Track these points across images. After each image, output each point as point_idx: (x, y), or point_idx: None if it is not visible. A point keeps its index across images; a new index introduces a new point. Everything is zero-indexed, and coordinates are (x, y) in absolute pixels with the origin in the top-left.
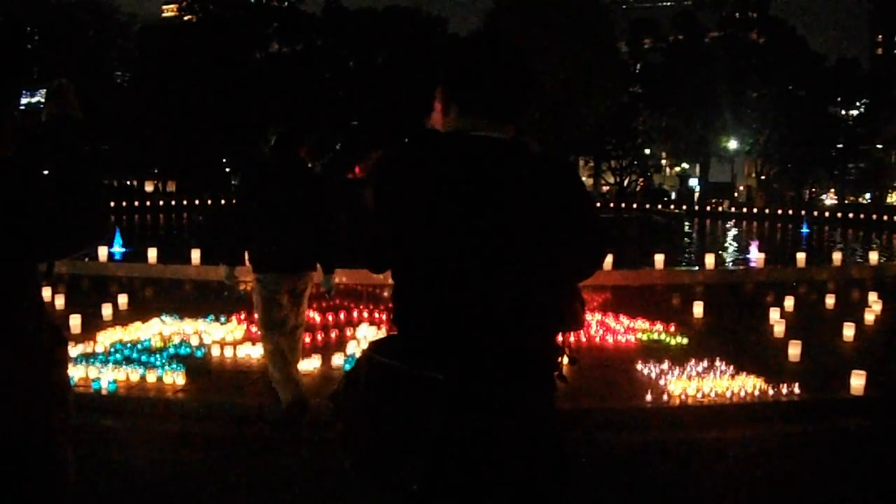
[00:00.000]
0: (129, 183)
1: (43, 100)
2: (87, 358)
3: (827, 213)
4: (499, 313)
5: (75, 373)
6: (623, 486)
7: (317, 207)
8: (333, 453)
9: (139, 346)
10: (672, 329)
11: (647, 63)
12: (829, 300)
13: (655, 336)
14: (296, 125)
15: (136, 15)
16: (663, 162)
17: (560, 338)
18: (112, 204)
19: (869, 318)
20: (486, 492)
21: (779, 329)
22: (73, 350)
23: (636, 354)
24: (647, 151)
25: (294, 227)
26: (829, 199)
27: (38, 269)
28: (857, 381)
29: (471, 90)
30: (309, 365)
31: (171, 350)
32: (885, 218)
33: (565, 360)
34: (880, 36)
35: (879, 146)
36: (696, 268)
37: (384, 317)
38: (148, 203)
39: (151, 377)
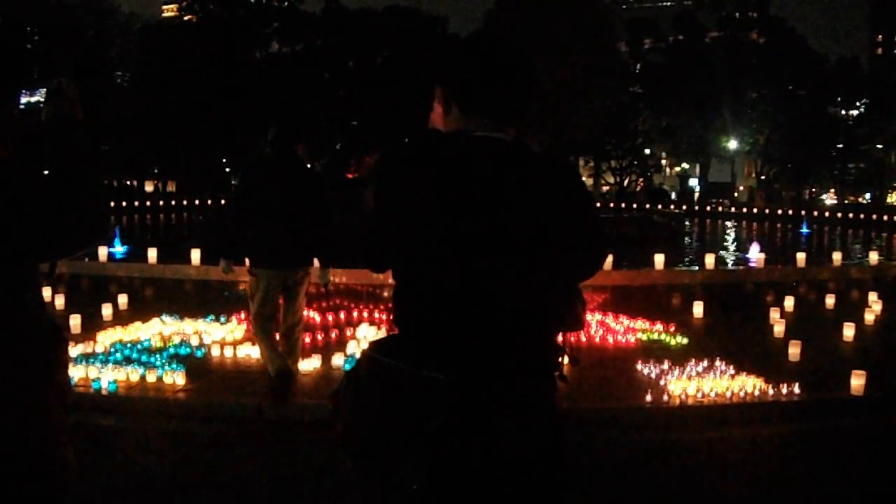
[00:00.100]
0: (129, 183)
1: (42, 99)
2: (87, 358)
3: (827, 213)
4: (500, 313)
5: (75, 373)
6: (623, 486)
7: (313, 203)
8: (333, 453)
9: (139, 346)
10: (672, 329)
11: (647, 63)
12: (829, 300)
13: (655, 336)
14: (293, 122)
15: (136, 15)
16: (663, 162)
17: (561, 338)
18: (112, 204)
19: (869, 318)
20: (486, 492)
21: (779, 329)
22: (73, 350)
23: (636, 354)
24: (647, 151)
25: (289, 222)
26: (829, 199)
27: (38, 269)
28: (857, 381)
29: (472, 90)
30: (309, 365)
31: (171, 350)
32: (885, 218)
33: (566, 360)
34: (880, 36)
35: (879, 146)
36: (696, 268)
37: (384, 317)
38: (148, 203)
39: (151, 377)
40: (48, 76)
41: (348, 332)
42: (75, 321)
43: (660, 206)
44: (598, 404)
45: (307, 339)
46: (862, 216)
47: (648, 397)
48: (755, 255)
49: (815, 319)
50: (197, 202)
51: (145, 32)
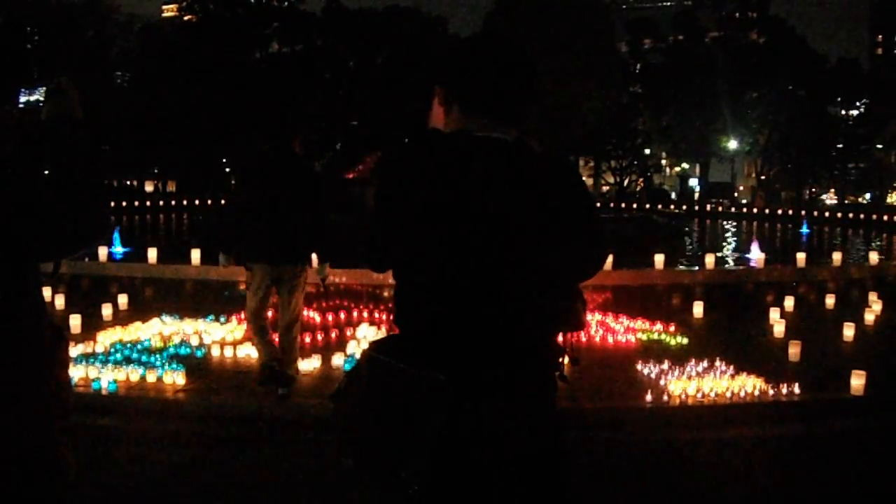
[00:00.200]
0: (129, 183)
1: (42, 98)
2: (87, 358)
3: (827, 213)
4: (500, 313)
5: (75, 373)
6: (623, 486)
7: (309, 199)
8: (333, 453)
9: (139, 346)
10: (672, 329)
11: (647, 63)
12: (829, 300)
13: (655, 336)
14: (290, 118)
15: (136, 15)
16: (663, 162)
17: (561, 338)
18: (112, 204)
19: (869, 318)
20: (487, 492)
21: (779, 329)
22: (73, 350)
23: (636, 354)
24: (647, 151)
25: (283, 218)
26: (829, 199)
27: (39, 268)
28: (857, 381)
29: (473, 90)
30: (309, 365)
31: (171, 350)
32: (885, 218)
33: (566, 360)
34: (880, 36)
35: (879, 146)
36: (696, 268)
37: (384, 317)
38: (148, 203)
39: (151, 377)
40: (48, 76)
41: (348, 332)
42: (75, 321)
43: (660, 206)
44: (598, 404)
45: (307, 339)
46: (862, 216)
47: (648, 397)
48: (755, 255)
49: (815, 319)
50: (197, 202)
51: (145, 32)
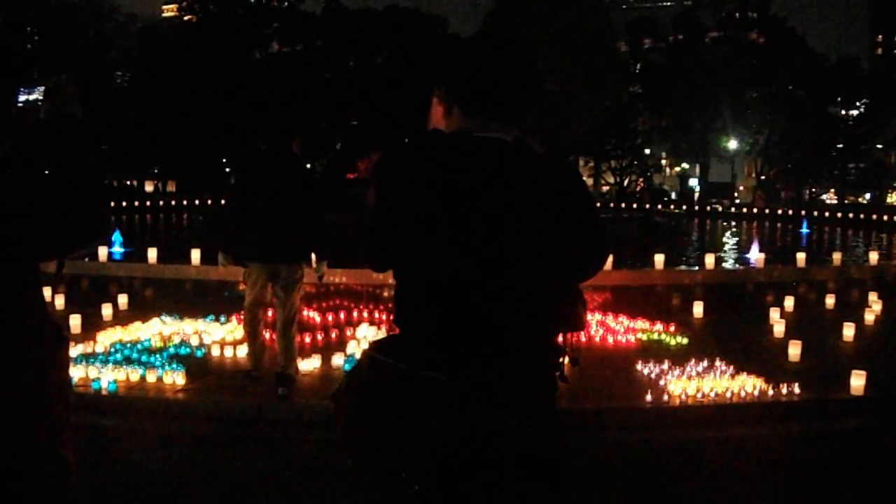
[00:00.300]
0: (129, 183)
1: (41, 97)
2: (87, 358)
3: (827, 213)
4: (500, 314)
5: (75, 373)
6: (623, 486)
7: (305, 199)
8: (333, 453)
9: (139, 346)
10: (672, 329)
11: (647, 63)
12: (829, 300)
13: (655, 336)
14: (288, 119)
15: (136, 15)
16: (663, 162)
17: (561, 338)
18: (112, 204)
19: (869, 318)
20: (487, 492)
21: (779, 329)
22: (73, 350)
23: (636, 354)
24: (647, 151)
25: (279, 217)
26: (830, 199)
27: (39, 268)
28: (857, 381)
29: (473, 90)
30: (309, 365)
31: (171, 350)
32: (885, 218)
33: (566, 360)
34: (880, 36)
35: (879, 146)
36: (696, 268)
37: (384, 317)
38: (148, 203)
39: (151, 377)
40: (48, 75)
41: (348, 332)
42: (75, 321)
43: (660, 206)
44: (598, 404)
45: (307, 340)
46: (862, 216)
47: (648, 397)
48: (755, 255)
49: (815, 319)
50: (197, 202)
51: (145, 32)
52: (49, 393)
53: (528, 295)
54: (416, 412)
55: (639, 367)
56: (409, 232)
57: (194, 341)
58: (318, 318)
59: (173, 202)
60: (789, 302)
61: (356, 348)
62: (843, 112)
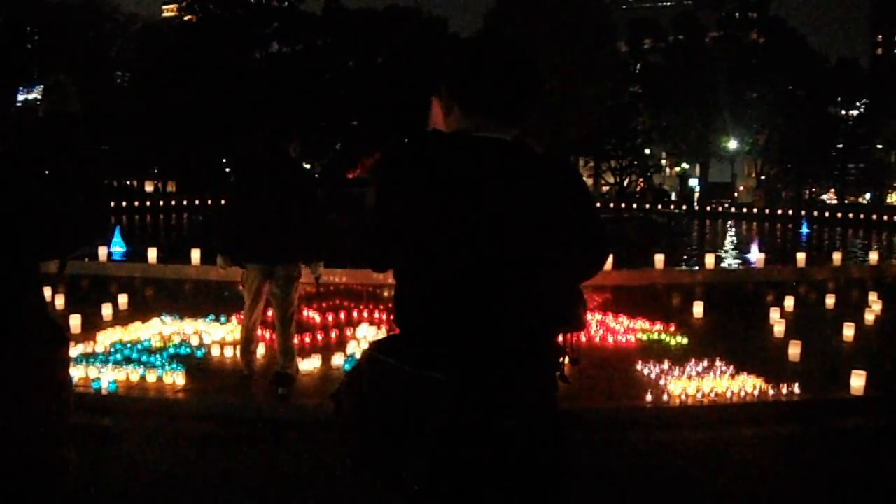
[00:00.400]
0: (129, 183)
1: (40, 96)
2: (87, 358)
3: (827, 213)
4: (500, 314)
5: (75, 373)
6: (623, 486)
7: (302, 201)
8: (333, 453)
9: (139, 346)
10: (672, 329)
11: (647, 63)
12: (829, 300)
13: (655, 336)
14: (287, 122)
15: (136, 15)
16: (663, 162)
17: (562, 338)
18: (112, 204)
19: (869, 318)
20: (487, 492)
21: (779, 329)
22: (73, 350)
23: (636, 354)
24: (647, 151)
25: (275, 219)
26: (830, 199)
27: (40, 268)
28: (857, 381)
29: (473, 90)
30: (309, 365)
31: (171, 350)
32: (885, 218)
33: (566, 360)
34: (880, 36)
35: (879, 146)
36: (696, 268)
37: (384, 317)
38: (148, 203)
39: (151, 377)
40: (48, 75)
41: (348, 332)
42: (75, 321)
43: (659, 206)
44: (598, 404)
45: (307, 340)
46: (862, 216)
47: (648, 397)
48: (755, 255)
49: (815, 319)
50: (197, 202)
51: (145, 32)
52: (49, 393)
53: (529, 295)
54: (416, 412)
55: (639, 367)
56: (409, 232)
57: (194, 341)
58: (318, 318)
59: (173, 202)
60: (789, 302)
61: (356, 348)
62: (843, 112)
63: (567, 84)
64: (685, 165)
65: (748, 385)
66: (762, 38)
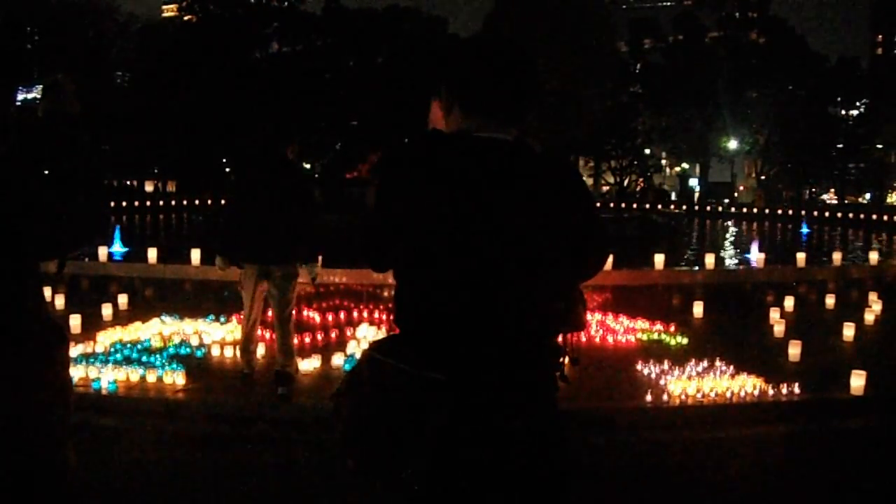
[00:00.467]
0: (129, 183)
1: (39, 96)
2: (87, 358)
3: (827, 213)
4: (501, 314)
5: (75, 373)
6: (623, 486)
7: (298, 203)
8: (333, 453)
9: (139, 346)
10: (672, 329)
11: (647, 63)
12: (829, 300)
13: (655, 336)
14: (286, 122)
15: (136, 15)
16: (663, 162)
17: (562, 338)
18: (112, 204)
19: (869, 318)
20: (488, 492)
21: (779, 329)
22: (73, 350)
23: (636, 354)
24: (647, 151)
25: (272, 220)
26: (830, 199)
27: (40, 268)
28: (857, 381)
29: (473, 90)
30: (309, 365)
31: (171, 350)
32: (885, 218)
33: (567, 360)
34: (880, 36)
35: (879, 146)
36: (696, 268)
37: (384, 317)
38: (148, 203)
39: (151, 377)
40: (48, 75)
41: (348, 332)
42: (75, 321)
43: (660, 206)
44: (598, 404)
45: (307, 340)
46: (862, 216)
47: (648, 397)
48: (755, 255)
49: (815, 319)
50: (197, 202)
51: (145, 32)
52: (49, 393)
53: (529, 295)
54: (416, 412)
55: (639, 367)
56: (410, 232)
57: (194, 341)
58: (318, 318)
59: (173, 202)
60: (789, 302)
61: (356, 348)
62: (843, 112)
63: (567, 84)
64: (685, 165)
65: (748, 385)
66: (762, 38)
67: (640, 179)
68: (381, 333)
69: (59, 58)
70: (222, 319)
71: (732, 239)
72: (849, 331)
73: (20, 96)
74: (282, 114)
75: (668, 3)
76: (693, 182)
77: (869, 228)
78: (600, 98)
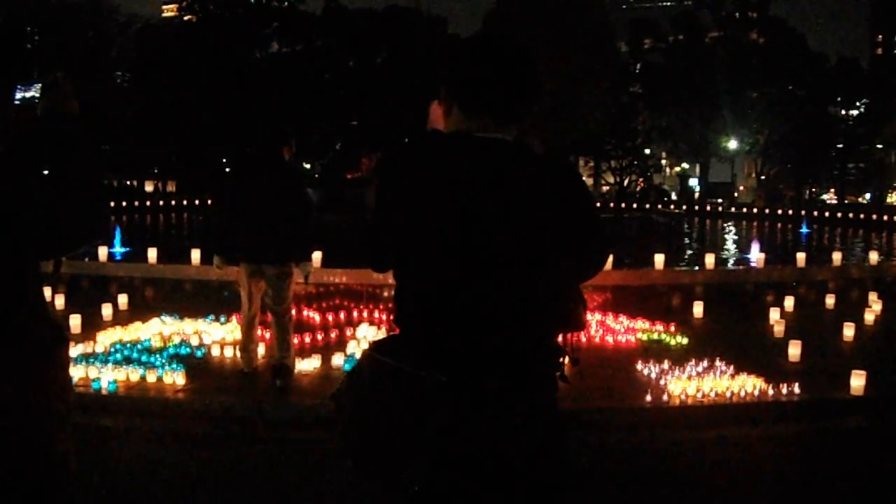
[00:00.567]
0: (129, 183)
1: (38, 95)
2: (87, 358)
3: (827, 213)
4: (501, 314)
5: (75, 373)
6: (623, 486)
7: (291, 202)
8: (333, 453)
9: (139, 346)
10: (672, 329)
11: (647, 63)
12: (829, 300)
13: (655, 336)
14: (285, 122)
15: (136, 15)
16: (663, 162)
17: (561, 338)
18: (112, 204)
19: (869, 318)
20: (488, 493)
21: (779, 329)
22: (73, 350)
23: (636, 354)
24: (647, 151)
25: (265, 219)
26: (830, 199)
27: (40, 268)
28: (857, 381)
29: (473, 90)
30: (309, 365)
31: (171, 350)
32: (885, 218)
33: (567, 360)
34: (880, 36)
35: (879, 146)
36: (696, 268)
37: (384, 317)
38: (148, 203)
39: (151, 377)
40: (47, 75)
41: (348, 332)
42: (75, 321)
43: (660, 206)
44: (598, 404)
45: (307, 340)
46: (862, 216)
47: (648, 397)
48: (755, 255)
49: (815, 319)
50: (197, 202)
51: (145, 32)
52: (49, 392)
53: (529, 295)
54: (416, 412)
55: (639, 367)
56: (410, 232)
57: (194, 341)
58: (318, 318)
59: (173, 202)
60: (789, 302)
61: (356, 348)
62: (843, 112)
63: (567, 84)
64: (685, 165)
65: (748, 385)
66: (762, 38)
67: (640, 179)
68: (381, 333)
69: (58, 58)
70: (222, 319)
71: (732, 239)
72: (849, 331)
73: (18, 95)
74: (282, 114)
75: (668, 3)
76: (693, 182)
77: (869, 228)
78: (600, 98)
